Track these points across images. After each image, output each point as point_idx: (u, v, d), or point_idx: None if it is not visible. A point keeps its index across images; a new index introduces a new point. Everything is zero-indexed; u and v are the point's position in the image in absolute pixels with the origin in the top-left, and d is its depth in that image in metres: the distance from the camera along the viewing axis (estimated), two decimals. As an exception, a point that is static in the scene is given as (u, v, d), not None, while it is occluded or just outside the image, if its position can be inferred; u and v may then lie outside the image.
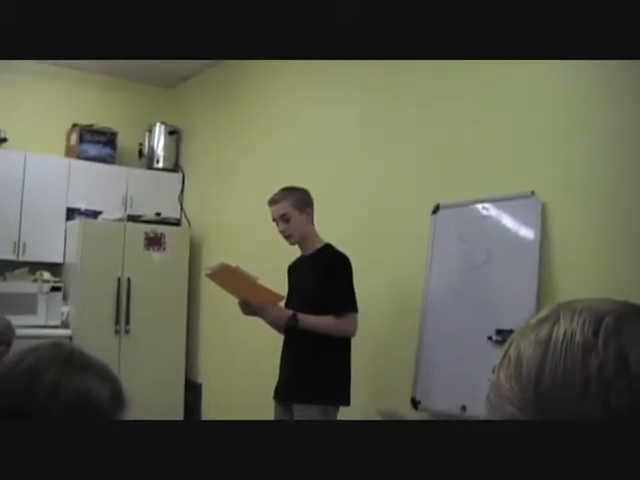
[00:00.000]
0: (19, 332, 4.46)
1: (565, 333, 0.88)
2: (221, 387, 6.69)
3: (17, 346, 4.29)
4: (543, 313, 0.94)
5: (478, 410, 3.63)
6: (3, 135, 6.92)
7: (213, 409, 6.72)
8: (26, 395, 1.15)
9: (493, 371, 0.97)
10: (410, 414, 4.25)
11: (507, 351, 0.95)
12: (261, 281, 3.93)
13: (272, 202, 4.13)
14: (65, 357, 1.22)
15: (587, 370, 0.85)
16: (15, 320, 4.48)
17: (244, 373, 6.26)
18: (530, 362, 0.90)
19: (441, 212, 4.42)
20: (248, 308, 4.02)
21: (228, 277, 3.95)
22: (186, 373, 7.08)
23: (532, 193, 3.88)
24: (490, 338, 3.91)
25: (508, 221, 4.07)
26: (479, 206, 4.19)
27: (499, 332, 3.87)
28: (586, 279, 3.64)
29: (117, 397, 1.23)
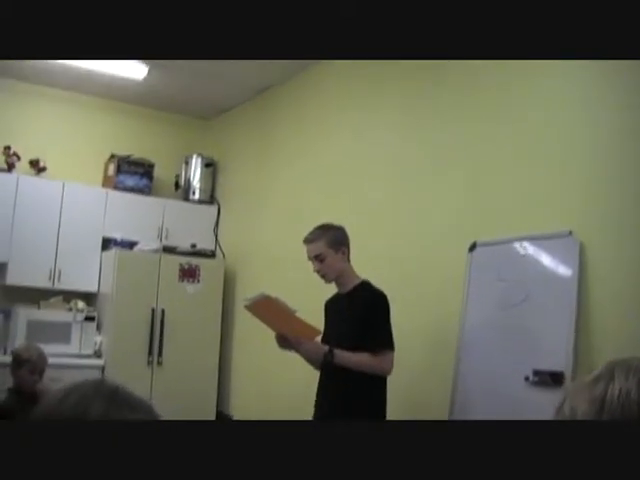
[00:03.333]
0: (52, 361, 4.50)
1: (620, 391, 0.89)
2: (253, 420, 6.65)
3: (49, 375, 4.31)
4: (597, 371, 0.95)
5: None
6: (42, 164, 7.01)
7: (243, 443, 6.67)
8: None
9: None
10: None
11: (561, 408, 0.96)
12: (299, 314, 3.90)
13: (307, 241, 4.11)
14: (110, 394, 1.21)
15: None
16: (48, 349, 4.51)
17: (276, 406, 6.22)
18: (587, 417, 0.91)
19: (478, 250, 4.38)
20: (284, 342, 3.98)
21: (267, 309, 3.92)
22: (217, 406, 7.06)
23: (570, 232, 3.84)
24: (527, 379, 3.84)
25: (546, 260, 4.02)
26: (517, 244, 4.14)
27: (536, 373, 3.81)
28: (625, 320, 3.58)
29: None
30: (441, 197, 4.78)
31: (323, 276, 4.11)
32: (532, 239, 4.06)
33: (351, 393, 3.92)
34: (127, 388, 1.26)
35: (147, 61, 6.47)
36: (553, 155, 4.07)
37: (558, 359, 3.75)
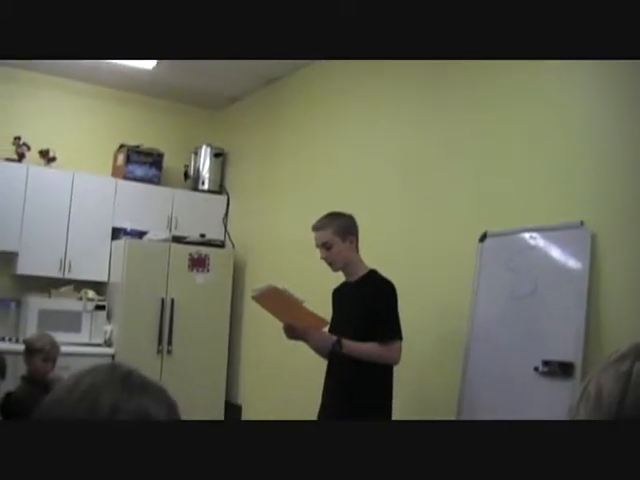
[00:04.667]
0: (63, 349, 4.52)
1: None
2: (261, 410, 6.67)
3: (61, 363, 4.34)
4: (622, 351, 0.97)
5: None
6: (52, 154, 7.02)
7: (252, 432, 6.69)
8: (85, 419, 1.14)
9: (571, 410, 0.99)
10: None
11: (586, 387, 0.99)
12: (307, 305, 3.91)
13: (315, 228, 4.12)
14: (122, 379, 1.21)
15: None
16: (59, 337, 4.55)
17: (284, 396, 6.24)
18: (611, 394, 0.94)
19: (488, 240, 4.38)
20: (292, 332, 4.00)
21: (274, 300, 3.93)
22: (226, 394, 7.09)
23: (581, 223, 3.83)
24: (536, 369, 3.85)
25: (556, 251, 4.02)
26: (527, 235, 4.14)
27: (546, 363, 3.81)
28: (636, 310, 3.58)
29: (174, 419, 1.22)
30: (452, 187, 4.77)
31: (330, 264, 4.11)
32: (543, 230, 4.06)
33: (358, 382, 3.93)
34: (141, 373, 1.26)
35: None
36: (564, 144, 4.06)
37: (568, 349, 3.75)
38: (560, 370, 3.74)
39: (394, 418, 3.97)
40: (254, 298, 3.96)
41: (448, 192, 4.80)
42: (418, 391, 4.73)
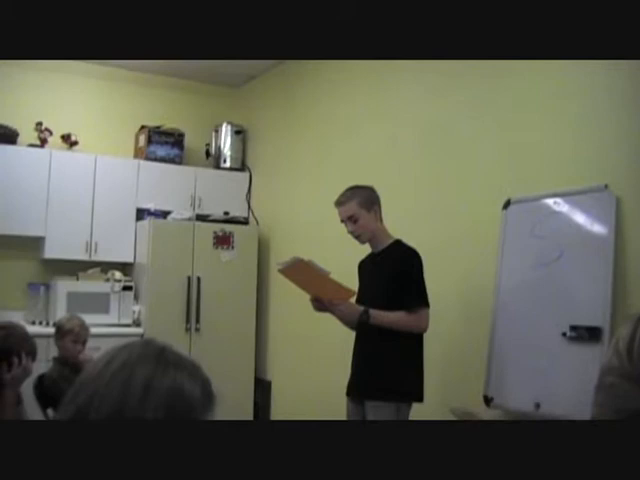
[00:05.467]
0: (93, 330, 4.56)
1: None
2: (291, 384, 6.72)
3: (91, 344, 4.39)
4: None
5: (552, 407, 3.57)
6: (74, 138, 7.05)
7: (282, 406, 6.75)
8: (120, 394, 1.16)
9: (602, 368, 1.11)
10: (484, 412, 4.21)
11: (610, 343, 1.10)
12: (333, 276, 3.92)
13: (339, 203, 4.13)
14: (156, 355, 1.23)
15: None
16: (88, 319, 4.58)
17: (314, 370, 6.27)
18: (624, 337, 1.06)
19: (512, 207, 4.36)
20: (319, 305, 4.01)
21: (300, 272, 3.94)
22: (255, 370, 7.13)
23: (606, 187, 3.81)
24: (564, 334, 3.85)
25: (581, 216, 4.00)
26: (550, 201, 4.12)
27: (573, 328, 3.81)
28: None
29: (207, 395, 1.24)
30: (474, 154, 4.75)
31: (357, 237, 4.12)
32: (567, 195, 4.03)
33: (387, 352, 3.95)
34: (174, 349, 1.27)
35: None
36: (586, 107, 4.02)
37: (595, 314, 3.74)
38: (588, 335, 3.74)
39: (424, 385, 3.98)
40: (280, 271, 3.98)
41: (470, 161, 4.78)
42: (446, 360, 4.74)
